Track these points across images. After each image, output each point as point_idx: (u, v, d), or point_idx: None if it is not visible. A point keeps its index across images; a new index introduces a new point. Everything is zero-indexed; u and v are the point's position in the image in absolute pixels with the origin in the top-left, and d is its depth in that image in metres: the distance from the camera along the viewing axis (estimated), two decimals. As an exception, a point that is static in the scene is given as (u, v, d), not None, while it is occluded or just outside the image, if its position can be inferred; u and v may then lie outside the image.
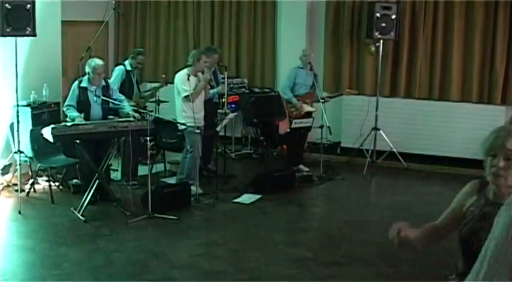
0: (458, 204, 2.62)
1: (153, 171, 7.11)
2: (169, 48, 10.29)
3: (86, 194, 6.48)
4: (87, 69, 6.87)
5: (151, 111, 7.44)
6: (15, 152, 6.89)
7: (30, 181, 7.15)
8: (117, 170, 7.76)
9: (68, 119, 6.77)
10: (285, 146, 8.77)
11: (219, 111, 8.24)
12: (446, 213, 2.69)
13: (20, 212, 6.46)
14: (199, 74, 7.12)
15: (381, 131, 8.59)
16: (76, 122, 6.54)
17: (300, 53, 8.28)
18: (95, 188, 6.51)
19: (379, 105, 8.62)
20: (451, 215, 2.66)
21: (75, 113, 6.74)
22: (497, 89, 8.44)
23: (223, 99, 7.98)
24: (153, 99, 8.46)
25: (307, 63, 8.15)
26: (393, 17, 8.41)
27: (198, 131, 7.02)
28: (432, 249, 5.61)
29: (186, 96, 6.94)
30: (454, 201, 2.66)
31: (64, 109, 6.96)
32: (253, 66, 9.85)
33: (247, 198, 7.09)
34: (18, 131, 6.80)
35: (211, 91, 7.71)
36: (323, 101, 8.05)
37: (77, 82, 6.98)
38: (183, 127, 7.02)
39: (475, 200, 2.54)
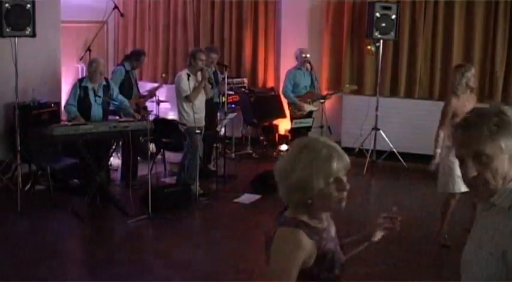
0: (299, 266, 2.13)
1: (153, 171, 7.12)
2: (169, 48, 10.29)
3: (86, 194, 6.48)
4: (88, 68, 6.88)
5: (151, 111, 7.45)
6: (15, 152, 6.88)
7: (30, 181, 7.15)
8: (117, 170, 7.76)
9: (70, 114, 6.78)
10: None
11: (219, 111, 8.24)
12: None
13: (19, 212, 6.46)
14: (199, 73, 7.12)
15: (381, 131, 8.59)
16: (76, 121, 6.55)
17: (297, 52, 8.29)
18: (95, 188, 6.51)
19: (379, 105, 8.62)
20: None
21: (76, 113, 6.75)
22: (497, 89, 8.44)
23: (224, 99, 7.98)
24: (153, 99, 8.47)
25: (304, 63, 8.15)
26: (393, 17, 8.41)
27: (199, 131, 7.02)
28: (432, 250, 5.63)
29: (186, 96, 6.94)
30: (294, 267, 2.10)
31: (65, 108, 6.96)
32: (254, 66, 9.85)
33: (247, 198, 7.09)
34: (18, 131, 6.80)
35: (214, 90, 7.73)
36: (323, 100, 8.06)
37: (78, 82, 7.00)
38: (184, 127, 7.02)
39: (316, 244, 2.15)
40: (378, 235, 2.47)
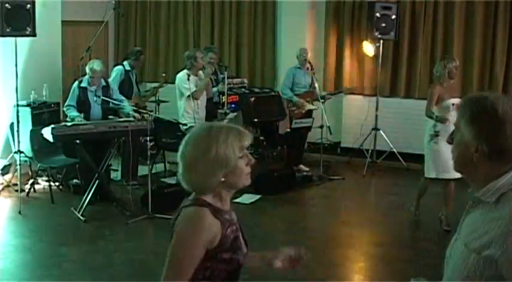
0: (205, 245, 2.14)
1: (153, 171, 7.11)
2: (169, 48, 10.29)
3: (85, 194, 6.48)
4: (87, 70, 6.89)
5: (151, 111, 7.45)
6: (15, 152, 6.89)
7: (30, 181, 7.15)
8: (117, 170, 7.76)
9: (68, 119, 6.79)
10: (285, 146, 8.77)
11: (219, 111, 8.24)
12: (191, 266, 2.14)
13: (20, 212, 6.46)
14: (200, 72, 7.13)
15: (381, 131, 8.58)
16: (76, 122, 6.55)
17: (298, 52, 8.29)
18: (95, 188, 6.51)
19: (379, 105, 8.62)
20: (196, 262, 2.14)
21: (76, 113, 6.77)
22: (497, 89, 8.44)
23: (224, 99, 7.98)
24: (153, 99, 8.47)
25: (304, 63, 8.15)
26: (393, 17, 8.41)
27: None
28: (431, 250, 5.63)
29: (189, 96, 6.95)
30: (197, 246, 2.13)
31: (64, 109, 6.98)
32: (253, 66, 9.85)
33: (247, 198, 7.08)
34: (18, 131, 6.80)
35: (213, 89, 7.74)
36: (323, 100, 8.06)
37: (77, 82, 7.01)
38: (185, 127, 7.02)
39: (221, 224, 2.18)
40: (277, 264, 2.53)
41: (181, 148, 2.19)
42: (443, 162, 5.74)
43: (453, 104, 5.83)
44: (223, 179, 2.14)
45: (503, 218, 1.76)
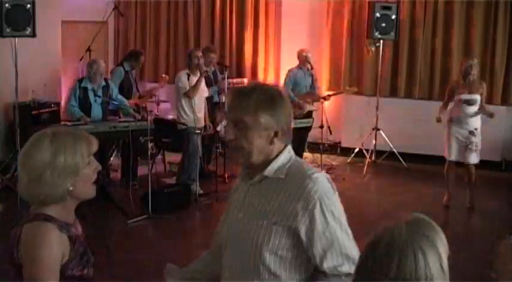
0: (58, 261, 2.02)
1: (153, 171, 7.11)
2: (169, 48, 10.29)
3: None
4: (88, 69, 6.89)
5: (151, 111, 7.46)
6: (15, 152, 6.88)
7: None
8: (117, 170, 7.76)
9: (73, 119, 6.79)
10: None
11: (219, 111, 8.24)
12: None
13: (19, 212, 6.46)
14: (197, 71, 7.14)
15: (381, 131, 8.58)
16: (82, 121, 6.57)
17: (299, 52, 8.28)
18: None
19: (379, 105, 8.62)
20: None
21: (80, 113, 6.76)
22: (497, 89, 8.44)
23: (224, 99, 7.98)
24: (153, 99, 8.46)
25: (305, 63, 8.15)
26: (393, 17, 8.42)
27: (198, 131, 7.02)
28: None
29: (185, 94, 6.95)
30: (55, 266, 1.99)
31: (68, 109, 6.97)
32: (254, 66, 9.84)
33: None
34: (18, 131, 6.80)
35: (213, 87, 7.77)
36: (323, 100, 8.06)
37: (77, 82, 7.00)
38: (183, 127, 7.02)
39: (69, 239, 2.08)
40: None
41: (20, 159, 2.04)
42: (452, 145, 6.58)
43: (461, 99, 6.54)
44: (71, 188, 2.03)
45: (298, 192, 1.96)
